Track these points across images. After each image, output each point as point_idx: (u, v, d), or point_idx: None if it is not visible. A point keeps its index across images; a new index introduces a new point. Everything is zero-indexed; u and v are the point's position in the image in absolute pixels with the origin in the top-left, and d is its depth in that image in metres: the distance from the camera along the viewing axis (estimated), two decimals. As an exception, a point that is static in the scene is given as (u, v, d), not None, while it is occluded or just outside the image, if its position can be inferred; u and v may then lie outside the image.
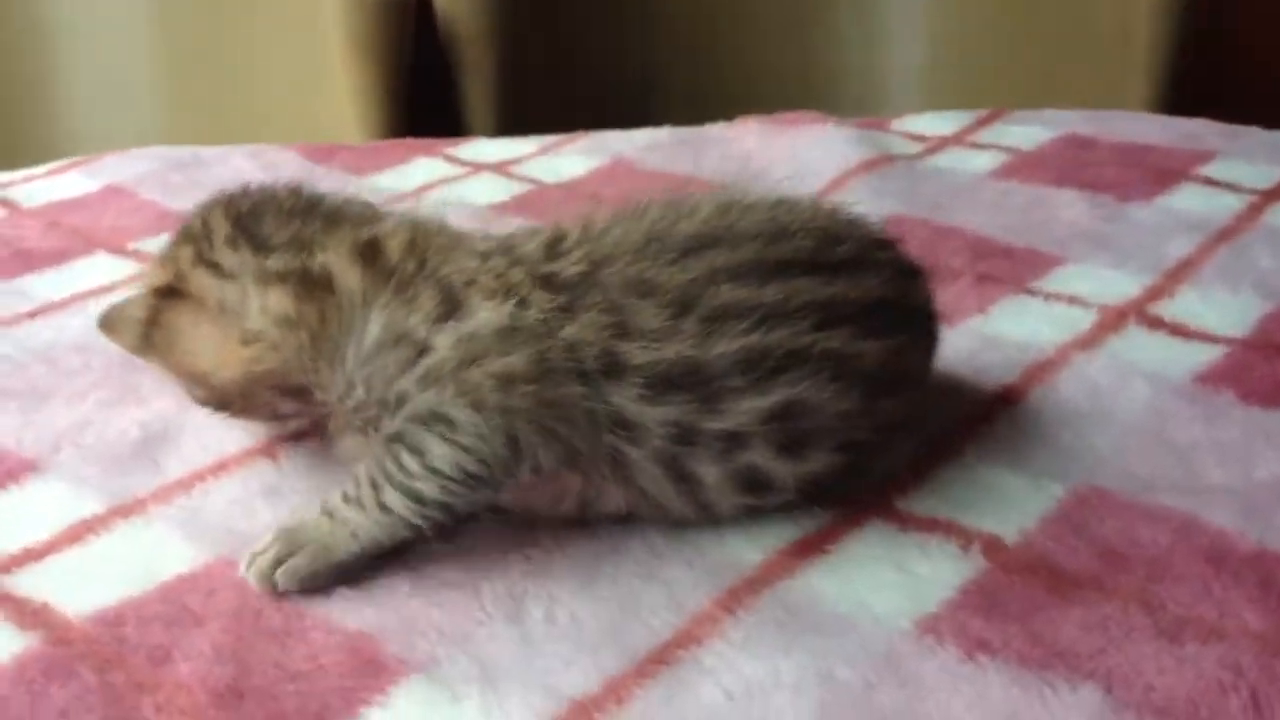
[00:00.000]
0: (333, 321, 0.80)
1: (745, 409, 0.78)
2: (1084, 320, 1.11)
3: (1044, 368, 1.03)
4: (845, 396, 0.80)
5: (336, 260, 0.81)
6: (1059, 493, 0.87)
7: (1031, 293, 1.16)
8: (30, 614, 0.76)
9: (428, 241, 0.82)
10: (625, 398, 0.77)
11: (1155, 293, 1.16)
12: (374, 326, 0.79)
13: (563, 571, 0.80)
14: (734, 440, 0.79)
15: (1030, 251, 1.26)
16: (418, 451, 0.77)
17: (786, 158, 1.52)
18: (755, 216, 0.85)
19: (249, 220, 0.84)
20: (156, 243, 1.25)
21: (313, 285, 0.80)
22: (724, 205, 0.86)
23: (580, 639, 0.74)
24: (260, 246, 0.82)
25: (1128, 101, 1.85)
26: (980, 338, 1.08)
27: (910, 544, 0.82)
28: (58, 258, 1.27)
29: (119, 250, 1.29)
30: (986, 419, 0.95)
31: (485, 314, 0.78)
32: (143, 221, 1.36)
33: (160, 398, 1.00)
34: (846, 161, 1.48)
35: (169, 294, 0.84)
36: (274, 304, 0.80)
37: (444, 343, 0.77)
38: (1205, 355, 1.05)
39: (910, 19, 1.99)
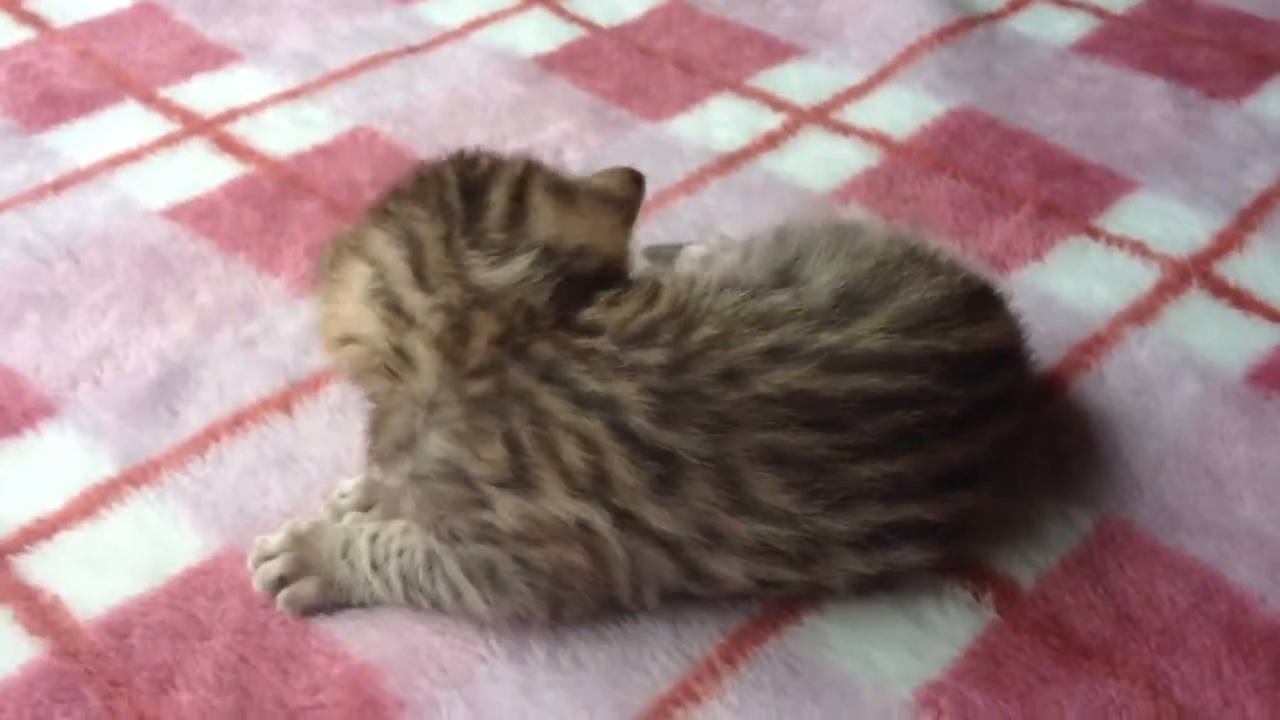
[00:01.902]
0: (393, 410, 0.73)
1: (842, 567, 0.76)
2: (1144, 279, 1.06)
3: (1094, 345, 0.99)
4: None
5: (421, 339, 0.71)
6: (1086, 526, 0.85)
7: (1094, 234, 1.10)
8: (40, 613, 0.77)
9: (523, 335, 0.71)
10: (715, 562, 0.73)
11: (1225, 242, 1.10)
12: (433, 448, 0.71)
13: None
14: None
15: (1101, 170, 1.19)
16: (455, 591, 0.75)
17: (859, 10, 1.42)
18: (873, 323, 0.75)
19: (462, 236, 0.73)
20: (188, 89, 1.21)
21: (396, 358, 0.72)
22: (840, 293, 0.76)
23: (579, 689, 0.75)
24: (429, 288, 0.72)
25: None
26: (1034, 296, 1.03)
27: (926, 587, 0.81)
28: (86, 105, 1.23)
29: (149, 98, 1.24)
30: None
31: (554, 505, 0.70)
32: (176, 55, 1.31)
33: (182, 316, 0.98)
34: (921, 26, 1.38)
35: (352, 251, 0.75)
36: (370, 338, 0.73)
37: (507, 510, 0.70)
38: (1264, 340, 1.00)
39: None
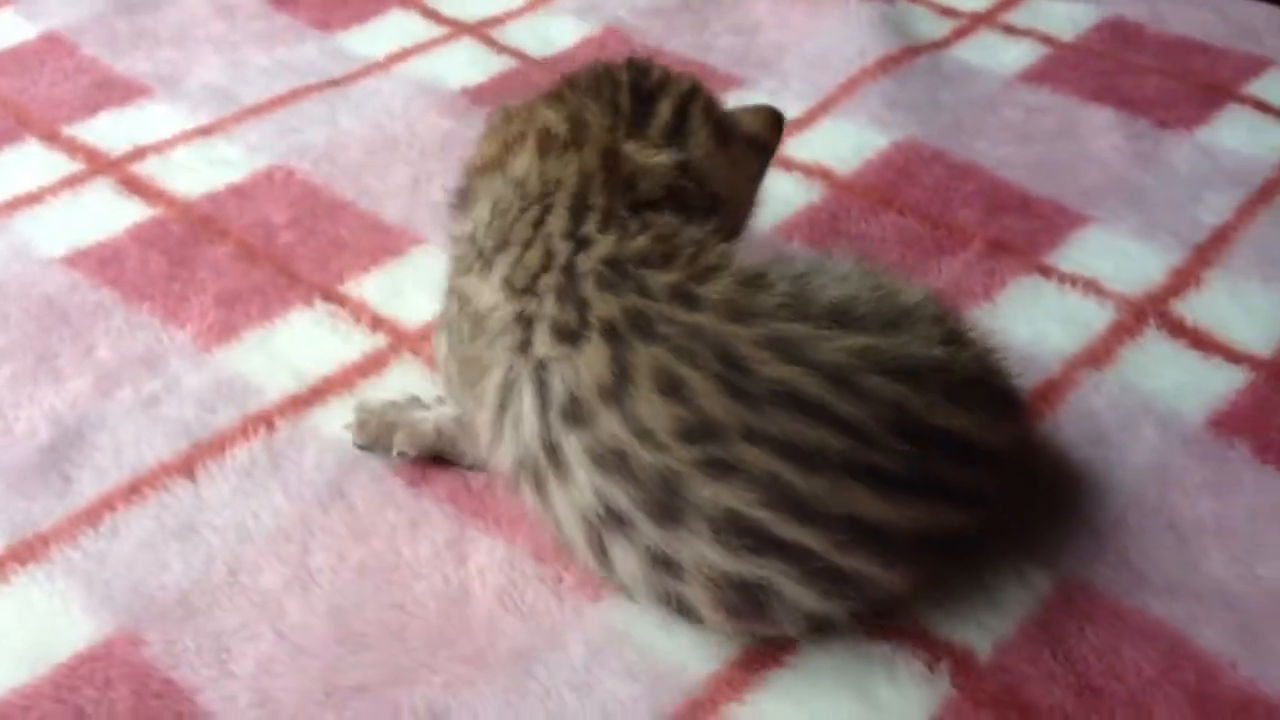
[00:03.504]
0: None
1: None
2: (1098, 320, 1.01)
3: (1048, 392, 0.94)
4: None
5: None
6: (1045, 588, 0.80)
7: (1046, 272, 1.06)
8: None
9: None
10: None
11: (1182, 279, 1.06)
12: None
13: (491, 678, 0.73)
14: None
15: (1052, 204, 1.14)
16: None
17: (799, 39, 1.38)
18: (849, 340, 0.71)
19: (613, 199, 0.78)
20: (94, 126, 1.15)
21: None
22: (839, 304, 0.73)
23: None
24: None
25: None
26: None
27: (876, 658, 0.76)
28: (-16, 143, 1.16)
29: (52, 136, 1.17)
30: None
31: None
32: (81, 90, 1.24)
33: (78, 374, 0.92)
34: (864, 55, 1.34)
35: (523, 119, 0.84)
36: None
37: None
38: (1224, 383, 0.96)
39: None
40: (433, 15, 1.40)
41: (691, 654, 0.75)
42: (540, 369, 0.72)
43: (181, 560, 0.79)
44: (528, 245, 0.76)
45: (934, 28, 1.42)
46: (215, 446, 0.86)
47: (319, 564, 0.79)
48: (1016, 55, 1.38)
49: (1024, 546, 0.83)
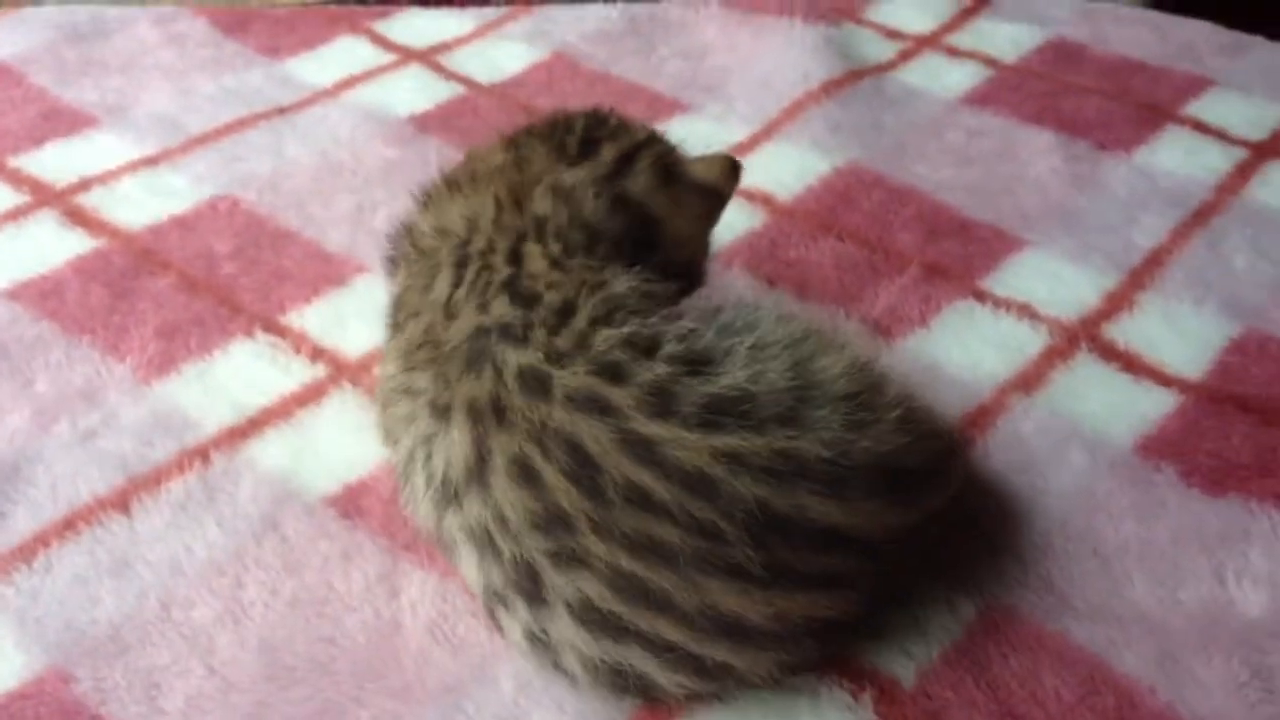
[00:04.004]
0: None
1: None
2: (1032, 344, 1.02)
3: (979, 417, 0.95)
4: None
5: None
6: (969, 614, 0.81)
7: (980, 297, 1.07)
8: None
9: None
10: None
11: (1115, 303, 1.07)
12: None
13: (419, 712, 0.74)
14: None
15: (989, 229, 1.16)
16: None
17: (745, 63, 1.39)
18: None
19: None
20: (40, 158, 1.15)
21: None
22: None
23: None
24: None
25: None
26: (921, 365, 0.99)
27: (801, 688, 0.76)
28: (-73, 176, 1.16)
29: (-3, 167, 1.18)
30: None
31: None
32: (28, 121, 1.25)
33: (16, 408, 0.92)
34: (808, 80, 1.35)
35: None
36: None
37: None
38: (1154, 407, 0.97)
39: None
40: (381, 42, 1.41)
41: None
42: (426, 444, 0.73)
43: (114, 595, 0.80)
44: (416, 314, 0.77)
45: (879, 50, 1.44)
46: (151, 480, 0.87)
47: (251, 597, 0.80)
48: (960, 78, 1.39)
49: (951, 573, 0.84)
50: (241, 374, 0.96)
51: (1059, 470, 0.91)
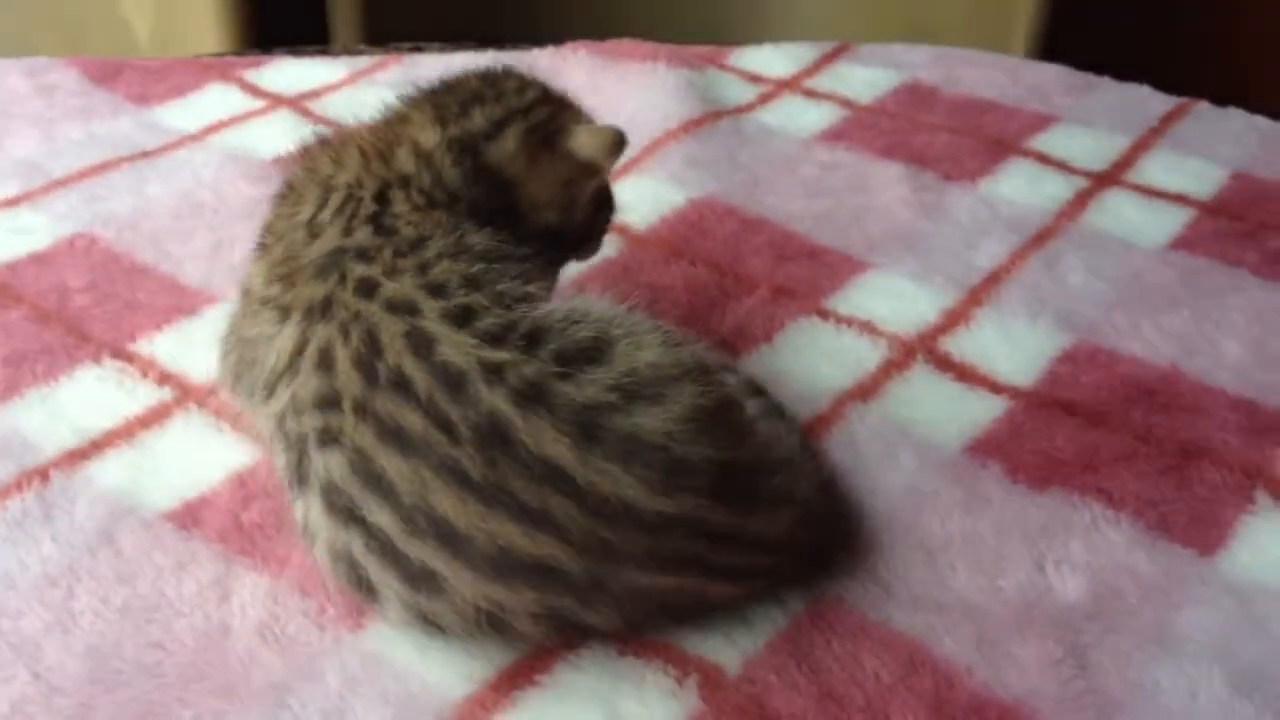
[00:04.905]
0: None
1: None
2: (871, 357, 1.06)
3: (816, 426, 0.98)
4: None
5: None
6: (797, 607, 0.83)
7: (824, 315, 1.10)
8: None
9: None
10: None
11: (952, 319, 1.11)
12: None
13: (243, 711, 0.75)
14: None
15: (837, 254, 1.19)
16: None
17: (611, 106, 1.42)
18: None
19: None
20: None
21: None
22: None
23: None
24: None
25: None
26: (764, 379, 1.02)
27: (628, 674, 0.78)
28: None
29: None
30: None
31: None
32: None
33: None
34: (668, 120, 1.39)
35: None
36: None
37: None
38: (984, 413, 1.01)
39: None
40: (251, 89, 1.43)
41: (446, 677, 0.77)
42: (268, 342, 0.78)
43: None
44: (281, 238, 0.81)
45: (740, 93, 1.48)
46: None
47: (81, 607, 0.80)
48: (816, 117, 1.44)
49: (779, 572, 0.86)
50: (86, 398, 0.97)
51: (889, 471, 0.94)
